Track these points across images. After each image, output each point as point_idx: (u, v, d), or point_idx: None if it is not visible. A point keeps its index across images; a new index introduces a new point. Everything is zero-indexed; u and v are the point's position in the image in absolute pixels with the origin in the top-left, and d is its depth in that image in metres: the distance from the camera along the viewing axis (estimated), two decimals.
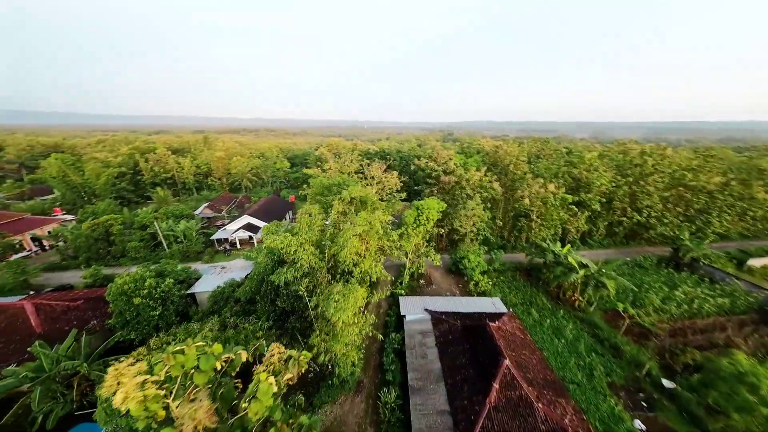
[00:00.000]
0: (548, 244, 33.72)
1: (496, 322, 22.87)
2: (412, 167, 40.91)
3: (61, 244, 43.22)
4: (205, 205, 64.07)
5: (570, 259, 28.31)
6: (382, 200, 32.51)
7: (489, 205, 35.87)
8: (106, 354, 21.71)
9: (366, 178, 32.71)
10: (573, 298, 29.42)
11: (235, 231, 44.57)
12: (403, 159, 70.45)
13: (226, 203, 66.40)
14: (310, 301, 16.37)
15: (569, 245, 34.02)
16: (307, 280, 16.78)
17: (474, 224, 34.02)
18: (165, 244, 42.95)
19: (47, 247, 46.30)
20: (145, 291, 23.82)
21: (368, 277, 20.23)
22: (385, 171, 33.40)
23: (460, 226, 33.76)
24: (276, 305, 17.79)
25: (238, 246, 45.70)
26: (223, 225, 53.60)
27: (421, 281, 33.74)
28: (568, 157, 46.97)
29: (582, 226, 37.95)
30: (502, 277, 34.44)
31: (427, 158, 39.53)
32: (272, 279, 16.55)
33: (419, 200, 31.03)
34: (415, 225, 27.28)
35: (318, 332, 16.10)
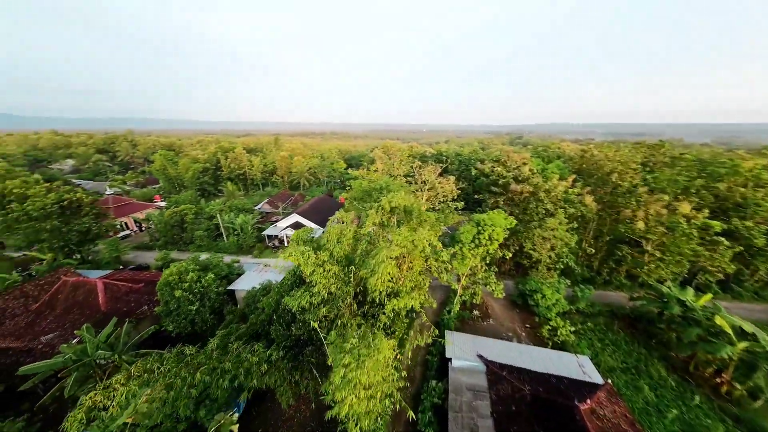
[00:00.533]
0: (670, 288, 23.55)
1: (589, 401, 15.63)
2: (474, 172, 34.57)
3: (151, 227, 50.51)
4: (266, 200, 68.56)
5: (718, 320, 18.48)
6: (433, 210, 27.33)
7: (575, 224, 27.22)
8: (143, 345, 22.22)
9: (416, 183, 28.08)
10: (719, 379, 19.28)
11: (284, 229, 45.13)
12: (462, 163, 63.46)
13: (283, 200, 69.84)
14: (326, 337, 12.57)
15: (708, 294, 23.15)
16: (325, 309, 13.06)
17: (553, 248, 26.09)
18: (225, 235, 45.97)
19: (143, 229, 54.90)
20: (186, 284, 24.02)
21: (405, 313, 15.65)
22: (439, 175, 28.21)
23: (533, 249, 26.28)
24: (291, 331, 14.64)
25: (286, 243, 46.26)
26: (276, 221, 55.82)
27: (476, 312, 27.37)
28: (704, 166, 33.66)
29: (727, 266, 25.96)
30: (590, 324, 25.51)
31: (493, 162, 32.67)
32: (285, 302, 13.36)
33: (480, 212, 24.97)
34: (473, 245, 21.51)
35: (331, 381, 12.00)
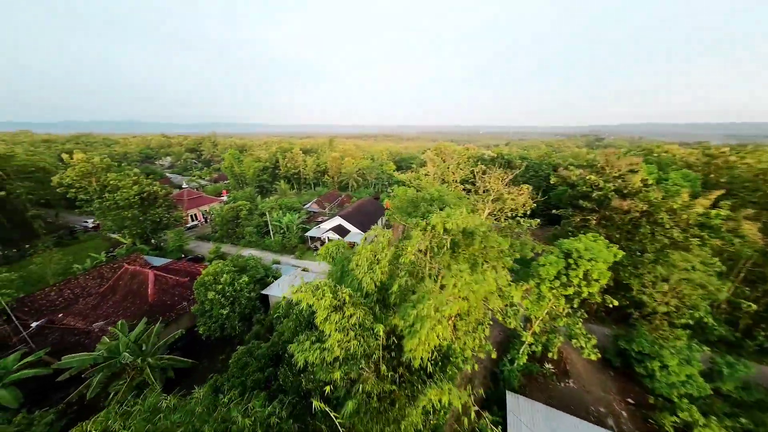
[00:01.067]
0: None
1: None
2: (553, 179, 26.98)
3: (214, 220, 54.95)
4: (314, 200, 69.70)
5: None
6: (500, 230, 21.37)
7: (719, 263, 18.19)
8: (173, 347, 21.81)
9: (477, 193, 22.43)
10: None
11: (326, 231, 43.77)
12: (530, 168, 54.10)
13: (331, 201, 69.98)
14: (340, 410, 8.71)
15: None
16: (341, 370, 9.22)
17: (679, 295, 17.82)
18: (271, 233, 46.82)
19: (208, 221, 60.33)
20: (220, 287, 23.25)
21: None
22: (508, 184, 22.09)
23: (646, 292, 18.41)
24: (300, 382, 11.27)
25: None
26: (321, 222, 55.46)
27: (549, 366, 20.62)
28: None
29: None
30: (744, 419, 16.54)
31: (582, 167, 24.86)
32: (291, 350, 9.98)
33: (564, 233, 18.38)
34: (557, 282, 15.39)
35: None
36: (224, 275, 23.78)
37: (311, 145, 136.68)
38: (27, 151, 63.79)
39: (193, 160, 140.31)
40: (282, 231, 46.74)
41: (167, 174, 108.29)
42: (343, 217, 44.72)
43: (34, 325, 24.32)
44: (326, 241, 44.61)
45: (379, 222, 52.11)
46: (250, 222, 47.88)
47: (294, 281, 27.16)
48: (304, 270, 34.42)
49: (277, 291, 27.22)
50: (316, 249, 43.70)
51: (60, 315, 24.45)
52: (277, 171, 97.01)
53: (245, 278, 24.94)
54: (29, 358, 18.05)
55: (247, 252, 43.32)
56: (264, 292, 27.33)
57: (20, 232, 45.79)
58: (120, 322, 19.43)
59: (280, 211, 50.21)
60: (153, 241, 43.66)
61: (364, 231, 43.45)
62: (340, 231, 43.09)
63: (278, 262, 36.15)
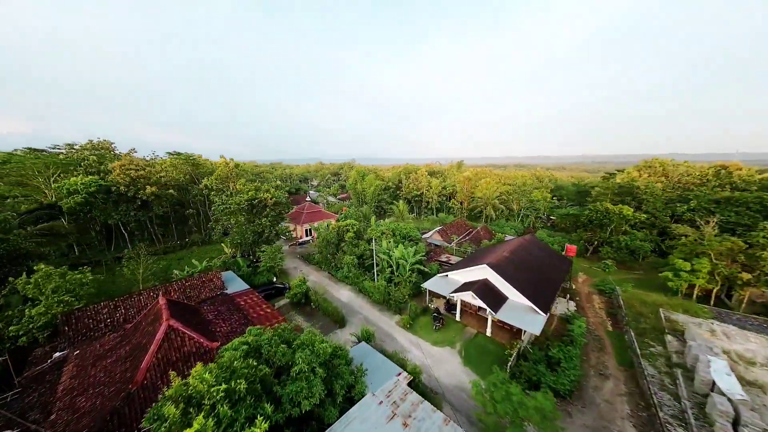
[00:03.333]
0: None
1: None
2: None
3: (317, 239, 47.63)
4: (437, 228, 52.61)
5: None
6: None
7: None
8: None
9: None
10: None
11: (459, 290, 24.29)
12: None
13: (459, 232, 50.70)
14: None
15: None
16: None
17: None
18: (375, 271, 32.28)
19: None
20: (241, 385, 8.48)
21: None
22: None
23: None
24: None
25: (458, 317, 25.12)
26: (447, 262, 36.77)
27: None
28: None
29: None
30: None
31: None
32: None
33: None
34: None
35: None
36: (253, 367, 8.93)
37: (438, 169, 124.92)
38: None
39: (333, 180, 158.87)
40: (390, 270, 31.42)
41: (311, 191, 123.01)
42: (495, 267, 24.02)
43: (56, 355, 18.21)
44: (457, 304, 25.19)
45: (565, 286, 27.60)
46: (354, 249, 35.66)
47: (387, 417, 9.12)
48: (412, 380, 16.19)
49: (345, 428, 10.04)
50: (438, 319, 24.66)
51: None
52: (398, 192, 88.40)
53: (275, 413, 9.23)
54: None
55: (343, 293, 30.60)
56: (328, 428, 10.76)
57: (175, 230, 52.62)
58: None
59: (392, 240, 35.60)
60: (251, 255, 38.33)
61: (533, 298, 21.17)
62: (490, 294, 22.53)
63: (370, 335, 19.83)
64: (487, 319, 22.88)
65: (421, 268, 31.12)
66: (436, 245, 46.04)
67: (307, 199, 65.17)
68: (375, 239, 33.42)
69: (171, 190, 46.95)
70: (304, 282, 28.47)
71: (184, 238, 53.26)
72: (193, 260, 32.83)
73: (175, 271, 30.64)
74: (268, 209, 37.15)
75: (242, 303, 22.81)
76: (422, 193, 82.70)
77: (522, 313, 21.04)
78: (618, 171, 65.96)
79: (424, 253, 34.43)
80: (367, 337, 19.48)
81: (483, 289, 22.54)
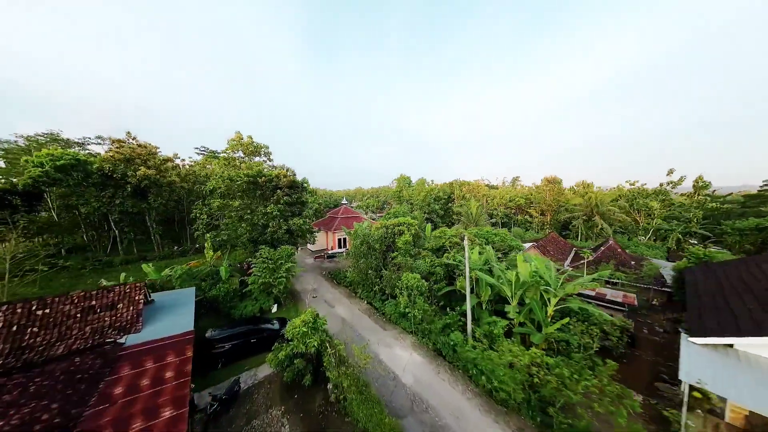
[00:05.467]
0: None
1: None
2: None
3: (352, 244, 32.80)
4: (530, 245, 34.67)
5: None
6: None
7: None
8: None
9: None
10: None
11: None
12: None
13: (557, 250, 32.12)
14: None
15: None
16: None
17: None
18: (469, 324, 15.70)
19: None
20: None
21: None
22: None
23: None
24: None
25: None
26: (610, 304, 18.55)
27: None
28: None
29: None
30: None
31: None
32: None
33: None
34: None
35: None
36: None
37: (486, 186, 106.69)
38: None
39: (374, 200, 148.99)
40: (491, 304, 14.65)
41: (351, 207, 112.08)
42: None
43: None
44: None
45: None
46: (410, 262, 19.72)
47: None
48: None
49: None
50: None
51: None
52: (450, 204, 71.99)
53: None
54: None
55: (401, 356, 12.43)
56: None
57: None
58: None
59: (497, 258, 18.90)
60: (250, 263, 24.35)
61: None
62: None
63: None
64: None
65: (596, 316, 13.71)
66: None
67: (344, 201, 52.07)
68: (465, 242, 17.17)
69: (175, 177, 36.77)
70: (314, 323, 12.67)
71: (194, 242, 42.64)
72: (148, 267, 19.67)
73: (103, 281, 17.65)
74: (279, 192, 23.58)
75: (130, 374, 8.01)
76: (480, 205, 65.09)
77: None
78: None
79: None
80: None
81: None
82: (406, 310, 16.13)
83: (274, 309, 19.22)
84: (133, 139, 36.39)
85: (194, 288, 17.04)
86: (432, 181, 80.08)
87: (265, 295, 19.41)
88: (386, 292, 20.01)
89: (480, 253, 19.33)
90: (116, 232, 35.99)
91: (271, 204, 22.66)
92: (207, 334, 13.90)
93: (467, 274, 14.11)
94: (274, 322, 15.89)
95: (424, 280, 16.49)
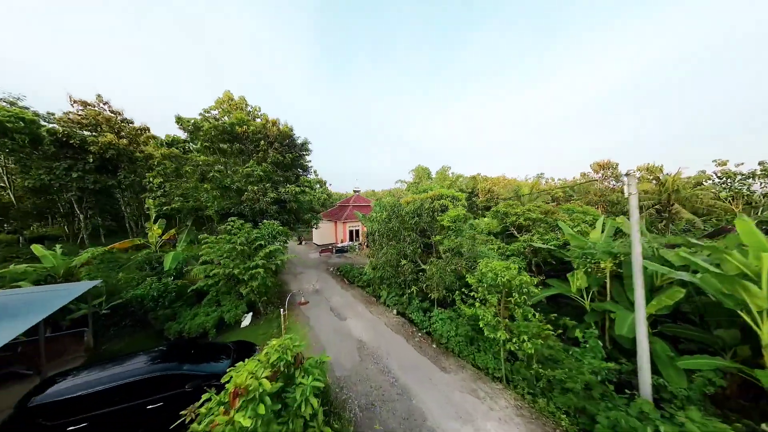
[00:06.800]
0: None
1: None
2: None
3: (371, 228, 25.15)
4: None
5: None
6: None
7: None
8: None
9: None
10: None
11: None
12: None
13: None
14: None
15: None
16: None
17: None
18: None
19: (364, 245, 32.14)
20: None
21: None
22: None
23: None
24: None
25: None
26: None
27: None
28: None
29: None
30: None
31: None
32: None
33: None
34: None
35: None
36: None
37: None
38: None
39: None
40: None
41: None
42: None
43: None
44: None
45: None
46: (471, 243, 11.78)
47: None
48: None
49: None
50: None
51: None
52: (474, 198, 63.76)
53: None
54: None
55: None
56: None
57: None
58: None
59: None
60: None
61: None
62: None
63: None
64: None
65: None
66: None
67: (357, 188, 44.69)
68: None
69: (153, 151, 30.10)
70: (319, 361, 4.87)
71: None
72: (41, 250, 12.43)
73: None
74: (262, 143, 16.03)
75: None
76: (497, 200, 56.53)
77: None
78: None
79: None
80: None
81: None
82: (495, 335, 7.92)
83: (246, 322, 11.53)
84: (104, 104, 30.03)
85: (99, 281, 9.54)
86: (452, 173, 72.12)
87: (232, 297, 11.76)
88: (430, 296, 12.03)
89: (601, 229, 11.23)
90: (80, 216, 29.43)
91: (252, 161, 15.09)
92: (33, 396, 5.67)
93: (637, 261, 6.00)
94: (229, 348, 8.03)
95: (527, 273, 8.29)
